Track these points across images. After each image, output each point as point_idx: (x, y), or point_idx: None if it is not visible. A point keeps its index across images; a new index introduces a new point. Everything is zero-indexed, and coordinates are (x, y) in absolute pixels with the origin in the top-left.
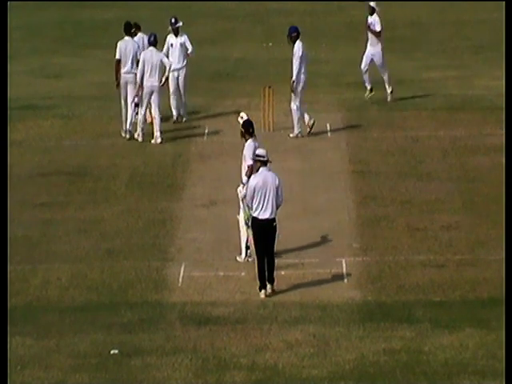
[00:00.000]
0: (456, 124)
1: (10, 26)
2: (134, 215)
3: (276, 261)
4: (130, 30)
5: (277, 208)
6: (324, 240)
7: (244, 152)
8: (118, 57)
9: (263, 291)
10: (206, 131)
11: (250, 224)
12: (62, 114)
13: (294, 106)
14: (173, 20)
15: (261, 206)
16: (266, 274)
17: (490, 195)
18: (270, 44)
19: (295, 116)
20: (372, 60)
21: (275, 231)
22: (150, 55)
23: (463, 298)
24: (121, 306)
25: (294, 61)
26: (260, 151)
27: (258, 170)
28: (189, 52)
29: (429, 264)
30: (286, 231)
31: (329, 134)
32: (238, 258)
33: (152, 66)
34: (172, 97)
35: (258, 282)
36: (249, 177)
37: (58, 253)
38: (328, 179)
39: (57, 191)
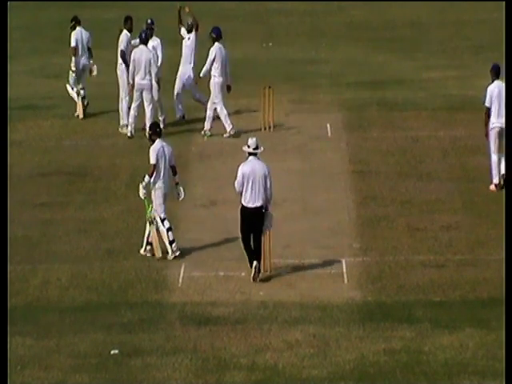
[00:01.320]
0: (456, 124)
1: (10, 26)
2: (134, 215)
3: (276, 261)
4: (131, 24)
5: (269, 200)
6: (324, 240)
7: (150, 151)
8: (122, 48)
9: (255, 262)
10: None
11: (153, 222)
12: (61, 114)
13: (218, 107)
14: (148, 21)
15: (249, 194)
16: (253, 252)
17: (490, 195)
18: (270, 44)
19: (222, 116)
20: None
21: (263, 219)
22: (139, 53)
23: (463, 297)
24: (121, 306)
25: (207, 62)
26: (249, 141)
27: (247, 159)
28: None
29: (429, 264)
30: (286, 231)
31: (329, 133)
32: (141, 251)
33: (141, 65)
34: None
35: (247, 257)
36: (150, 176)
37: (58, 253)
38: (328, 179)
39: (57, 191)
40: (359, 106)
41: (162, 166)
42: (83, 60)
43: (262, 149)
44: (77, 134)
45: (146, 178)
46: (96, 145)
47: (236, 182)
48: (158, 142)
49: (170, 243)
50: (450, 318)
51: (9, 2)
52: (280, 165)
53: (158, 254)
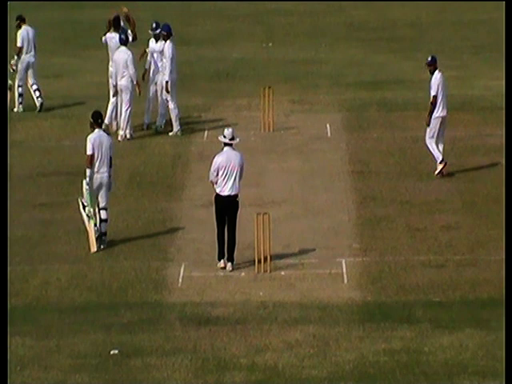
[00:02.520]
0: (456, 124)
1: (10, 26)
2: (134, 215)
3: (276, 261)
4: (119, 24)
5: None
6: (324, 240)
7: (86, 141)
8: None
9: (222, 261)
10: (206, 131)
11: (91, 217)
12: (61, 114)
13: (171, 105)
14: (153, 25)
15: (223, 183)
16: (224, 245)
17: (490, 195)
18: (270, 44)
19: (173, 115)
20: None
21: (237, 206)
22: (117, 54)
23: (463, 298)
24: (120, 306)
25: (165, 61)
26: (225, 131)
27: (222, 150)
28: (165, 61)
29: (429, 264)
30: (286, 231)
31: (329, 134)
32: (92, 249)
33: (120, 66)
34: (146, 103)
35: (217, 252)
36: (89, 167)
37: (58, 253)
38: (328, 179)
39: (57, 191)
40: (359, 107)
41: (98, 156)
42: (28, 57)
43: (238, 140)
44: (76, 134)
45: (87, 170)
46: None
47: (210, 173)
48: (96, 132)
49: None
50: (449, 318)
51: (9, 2)
52: (280, 165)
53: (94, 248)
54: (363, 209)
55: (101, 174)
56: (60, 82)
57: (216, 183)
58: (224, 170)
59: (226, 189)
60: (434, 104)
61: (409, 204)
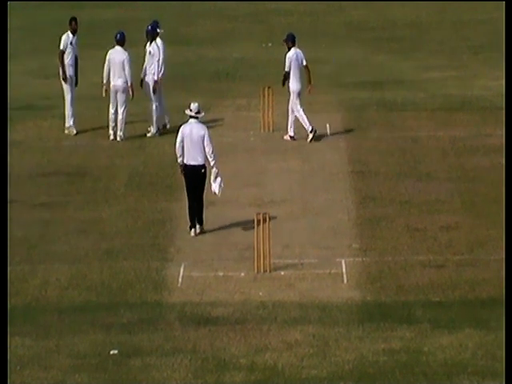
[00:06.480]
0: (455, 124)
1: (9, 26)
2: (134, 215)
3: (276, 261)
4: (76, 25)
5: (211, 158)
6: (324, 240)
7: None
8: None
9: (193, 230)
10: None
11: None
12: (61, 114)
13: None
14: (149, 27)
15: (187, 152)
16: (195, 215)
17: (490, 195)
18: (270, 44)
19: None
20: None
21: (204, 177)
22: (114, 55)
23: (463, 298)
24: (120, 306)
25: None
26: (191, 105)
27: (187, 121)
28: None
29: (428, 264)
30: (286, 231)
31: (328, 134)
32: None
33: (115, 66)
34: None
35: (189, 222)
36: None
37: (58, 253)
38: (328, 179)
39: (56, 191)
40: (358, 107)
41: None
42: None
43: (203, 114)
44: (75, 134)
45: None
46: (95, 145)
47: (176, 142)
48: None
49: None
50: (449, 318)
51: (9, 2)
52: (280, 165)
53: None
54: (363, 209)
55: None
56: (59, 82)
57: (181, 154)
58: (186, 141)
59: (189, 158)
60: (285, 78)
61: (408, 204)
